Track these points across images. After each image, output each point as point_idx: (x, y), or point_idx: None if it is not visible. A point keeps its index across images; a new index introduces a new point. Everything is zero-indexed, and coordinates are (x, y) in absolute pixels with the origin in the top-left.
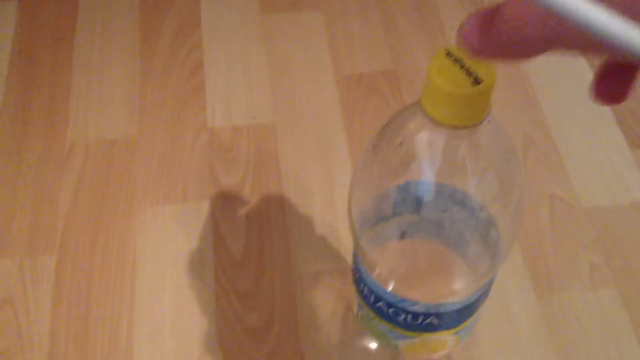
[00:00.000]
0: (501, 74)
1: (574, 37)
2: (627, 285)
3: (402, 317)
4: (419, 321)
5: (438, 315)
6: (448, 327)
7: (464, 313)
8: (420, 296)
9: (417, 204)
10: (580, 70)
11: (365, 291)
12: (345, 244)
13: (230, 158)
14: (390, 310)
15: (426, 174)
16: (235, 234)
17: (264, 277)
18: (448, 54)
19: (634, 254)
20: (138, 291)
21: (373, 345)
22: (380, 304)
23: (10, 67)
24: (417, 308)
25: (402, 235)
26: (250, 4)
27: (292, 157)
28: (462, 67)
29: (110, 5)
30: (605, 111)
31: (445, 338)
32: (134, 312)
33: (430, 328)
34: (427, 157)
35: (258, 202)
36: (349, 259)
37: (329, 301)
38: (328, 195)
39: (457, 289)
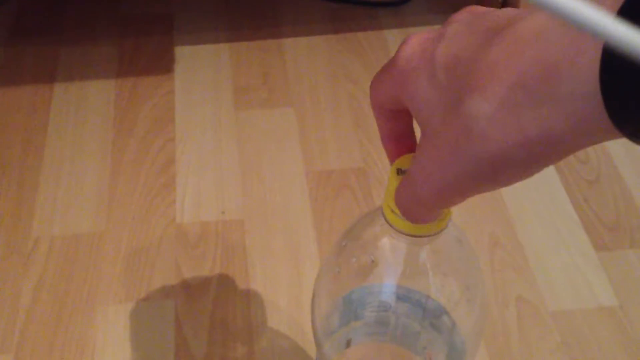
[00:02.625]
0: None
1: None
2: None
3: None
4: None
5: None
6: None
7: None
8: None
9: (361, 309)
10: (546, 173)
11: None
12: (311, 344)
13: (197, 255)
14: None
15: (386, 278)
16: (198, 336)
17: None
18: (399, 170)
19: None
20: None
21: None
22: None
23: None
24: None
25: (348, 344)
26: (225, 100)
27: (260, 254)
28: None
29: (84, 98)
30: (571, 214)
31: None
32: None
33: None
34: (387, 262)
35: (223, 301)
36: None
37: None
38: (296, 294)
39: None
